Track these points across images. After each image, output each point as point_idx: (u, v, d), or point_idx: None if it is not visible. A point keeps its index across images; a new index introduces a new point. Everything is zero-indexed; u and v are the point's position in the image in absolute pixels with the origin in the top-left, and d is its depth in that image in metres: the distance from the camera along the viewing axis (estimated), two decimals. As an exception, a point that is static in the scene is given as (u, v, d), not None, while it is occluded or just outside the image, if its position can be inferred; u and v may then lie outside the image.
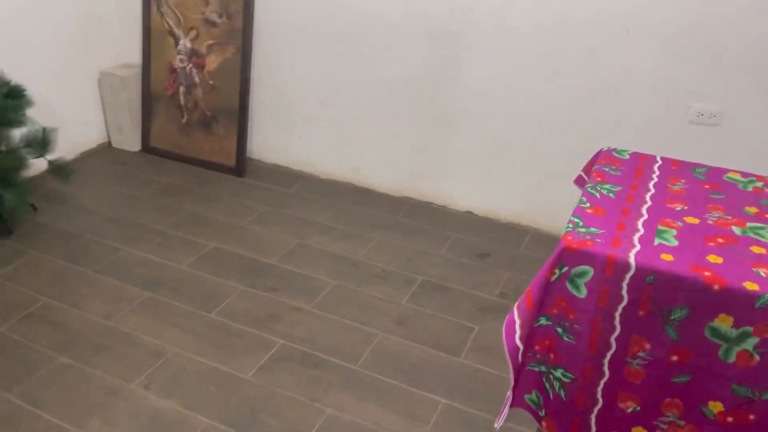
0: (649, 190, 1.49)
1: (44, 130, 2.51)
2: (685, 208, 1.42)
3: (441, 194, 2.85)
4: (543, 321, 1.34)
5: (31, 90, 2.51)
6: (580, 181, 1.83)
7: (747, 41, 2.08)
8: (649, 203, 1.43)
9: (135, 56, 3.17)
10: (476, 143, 2.67)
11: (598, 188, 1.49)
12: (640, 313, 1.25)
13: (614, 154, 1.67)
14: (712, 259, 1.23)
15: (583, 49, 2.32)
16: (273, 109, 3.04)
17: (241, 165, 3.03)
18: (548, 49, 2.38)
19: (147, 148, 3.22)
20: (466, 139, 2.68)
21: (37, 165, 2.66)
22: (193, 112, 3.08)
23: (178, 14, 2.97)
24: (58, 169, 2.61)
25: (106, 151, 3.24)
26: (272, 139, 3.11)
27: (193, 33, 2.97)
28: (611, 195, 1.46)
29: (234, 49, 2.90)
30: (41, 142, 2.51)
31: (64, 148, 3.02)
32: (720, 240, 1.30)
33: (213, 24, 2.91)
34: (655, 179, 1.54)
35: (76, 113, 3.09)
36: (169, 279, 2.29)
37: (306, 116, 2.98)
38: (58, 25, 2.89)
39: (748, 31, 2.06)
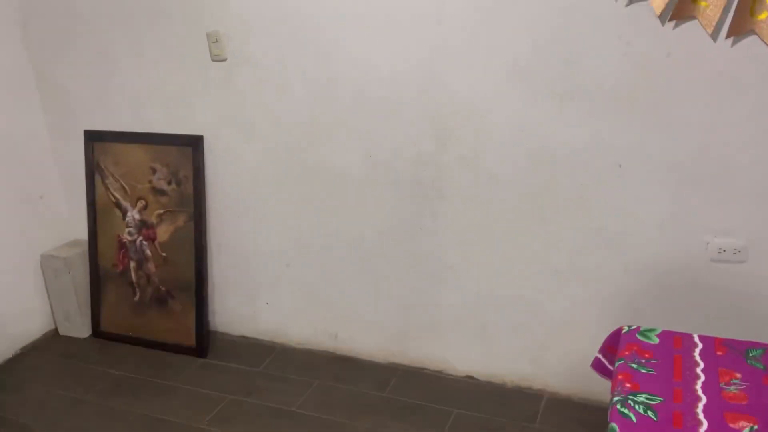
0: (699, 399, 1.11)
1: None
2: (756, 427, 1.03)
3: (434, 357, 2.45)
4: None
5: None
6: (599, 367, 1.46)
7: (763, 165, 1.79)
8: (706, 425, 1.05)
9: (81, 233, 2.88)
10: (467, 297, 2.32)
11: (631, 403, 1.11)
12: None
13: (639, 337, 1.31)
14: None
15: (570, 188, 2.03)
16: (235, 276, 2.70)
17: (202, 344, 2.64)
18: (533, 191, 2.09)
19: (97, 332, 2.84)
20: (455, 294, 2.33)
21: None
22: (146, 289, 2.74)
23: (125, 185, 2.71)
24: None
25: (51, 341, 2.85)
26: (237, 308, 2.75)
27: (141, 203, 2.69)
28: (651, 415, 1.08)
29: (186, 217, 2.61)
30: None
31: (2, 346, 2.66)
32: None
33: (162, 192, 2.64)
34: (702, 377, 1.17)
35: (15, 304, 2.74)
36: None
37: (272, 281, 2.64)
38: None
39: (762, 153, 1.78)
